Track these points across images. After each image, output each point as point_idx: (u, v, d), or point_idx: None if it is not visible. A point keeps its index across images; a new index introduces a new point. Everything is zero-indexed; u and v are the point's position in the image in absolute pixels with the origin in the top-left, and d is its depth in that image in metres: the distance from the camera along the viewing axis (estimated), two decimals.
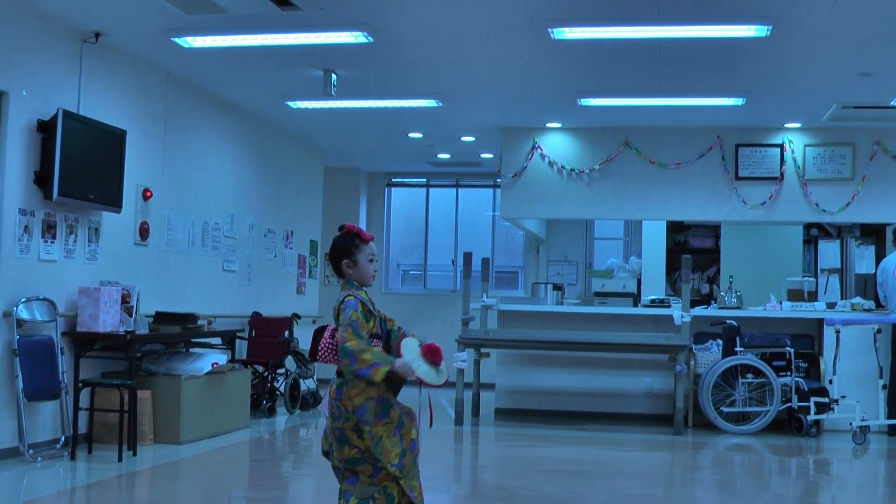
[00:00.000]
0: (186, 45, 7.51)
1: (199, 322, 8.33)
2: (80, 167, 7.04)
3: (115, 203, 7.52)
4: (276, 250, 10.92)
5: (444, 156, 12.56)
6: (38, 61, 6.85)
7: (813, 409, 8.70)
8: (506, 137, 10.64)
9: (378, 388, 3.69)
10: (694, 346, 9.42)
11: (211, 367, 7.91)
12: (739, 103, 9.01)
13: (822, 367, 9.17)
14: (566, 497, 5.99)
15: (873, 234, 11.74)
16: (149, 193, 8.24)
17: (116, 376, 7.26)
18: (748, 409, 8.95)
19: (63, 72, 7.13)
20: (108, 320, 7.09)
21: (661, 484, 6.90)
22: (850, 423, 8.48)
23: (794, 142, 10.18)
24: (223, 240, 9.61)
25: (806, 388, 8.88)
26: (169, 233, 8.61)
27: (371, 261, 3.88)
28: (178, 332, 7.94)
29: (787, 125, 10.08)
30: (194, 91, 8.99)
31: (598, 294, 12.00)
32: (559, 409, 9.94)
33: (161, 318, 7.97)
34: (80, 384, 7.02)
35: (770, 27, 6.75)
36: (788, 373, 8.95)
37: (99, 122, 7.37)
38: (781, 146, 10.18)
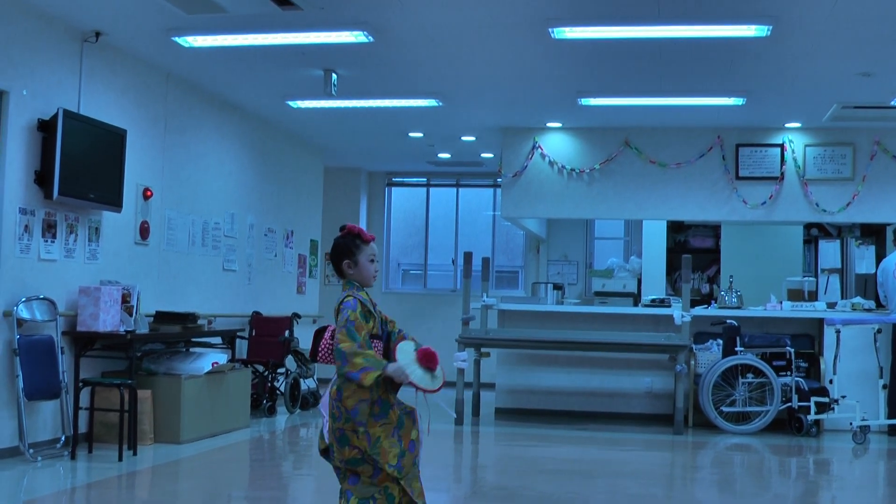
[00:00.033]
0: (187, 45, 7.52)
1: (200, 322, 8.33)
2: (80, 167, 7.04)
3: (115, 202, 7.52)
4: (276, 250, 10.92)
5: (444, 155, 12.56)
6: (38, 61, 6.85)
7: (813, 408, 8.70)
8: (506, 137, 10.64)
9: (373, 389, 3.67)
10: (694, 346, 9.43)
11: (211, 367, 7.91)
12: (740, 103, 9.01)
13: (822, 366, 9.17)
14: (566, 497, 5.99)
15: (873, 233, 11.74)
16: (149, 193, 8.24)
17: (117, 376, 7.26)
18: (748, 408, 8.95)
19: (63, 71, 7.13)
20: (108, 320, 7.09)
21: (662, 484, 6.90)
22: (851, 423, 8.48)
23: (795, 142, 10.18)
24: (223, 239, 9.61)
25: (806, 388, 8.88)
26: (169, 232, 8.61)
27: (372, 261, 3.88)
28: (179, 332, 7.94)
29: (787, 125, 10.08)
30: (194, 91, 8.99)
31: (598, 294, 12.00)
32: (559, 409, 9.94)
33: (161, 317, 7.97)
34: (81, 384, 7.02)
35: (770, 27, 6.75)
36: (789, 373, 8.95)
37: (99, 122, 7.37)
38: (782, 146, 10.18)
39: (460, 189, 14.20)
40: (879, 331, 8.80)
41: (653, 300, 10.12)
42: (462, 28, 7.11)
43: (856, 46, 7.23)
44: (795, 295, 10.08)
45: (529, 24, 6.95)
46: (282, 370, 9.90)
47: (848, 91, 8.54)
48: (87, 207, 7.32)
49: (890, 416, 8.66)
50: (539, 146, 10.53)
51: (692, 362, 9.32)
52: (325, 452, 3.86)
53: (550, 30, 6.97)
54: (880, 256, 11.05)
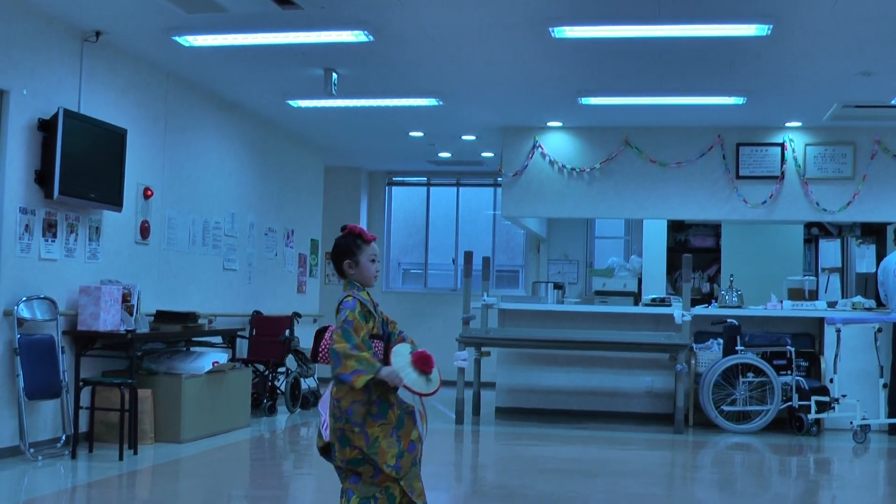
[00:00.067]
0: (187, 44, 7.52)
1: (200, 321, 8.33)
2: (80, 166, 7.04)
3: (115, 202, 7.53)
4: (276, 249, 10.92)
5: (444, 155, 12.56)
6: (38, 60, 6.85)
7: (813, 408, 8.70)
8: (506, 136, 10.64)
9: (371, 390, 3.67)
10: (694, 345, 9.43)
11: (212, 366, 7.91)
12: (740, 102, 9.01)
13: (822, 366, 9.17)
14: (567, 496, 5.99)
15: (874, 233, 11.74)
16: (149, 192, 8.24)
17: (117, 375, 7.27)
18: (749, 408, 8.95)
19: (64, 71, 7.13)
20: (108, 319, 7.09)
21: (662, 483, 6.91)
22: (851, 422, 8.48)
23: (795, 141, 10.18)
24: (224, 239, 9.61)
25: (806, 387, 8.88)
26: (170, 231, 8.61)
27: (373, 261, 3.88)
28: (179, 331, 7.94)
29: (787, 124, 10.08)
30: (195, 90, 8.99)
31: (598, 293, 12.00)
32: (560, 408, 9.94)
33: (162, 316, 7.97)
34: (81, 383, 7.03)
35: (771, 26, 6.75)
36: (789, 372, 8.95)
37: (99, 121, 7.37)
38: (782, 145, 10.18)
39: (461, 188, 14.20)
40: (880, 330, 8.80)
41: (653, 299, 10.13)
42: (462, 27, 7.11)
43: (856, 46, 7.22)
44: (796, 294, 10.09)
45: (530, 24, 6.95)
46: (282, 369, 9.91)
47: (848, 90, 8.54)
48: (88, 207, 7.32)
49: (890, 416, 8.66)
50: (539, 145, 10.53)
51: (693, 361, 9.32)
52: (325, 451, 3.86)
53: (551, 29, 6.97)
54: (881, 255, 11.05)
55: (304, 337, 10.50)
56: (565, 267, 13.66)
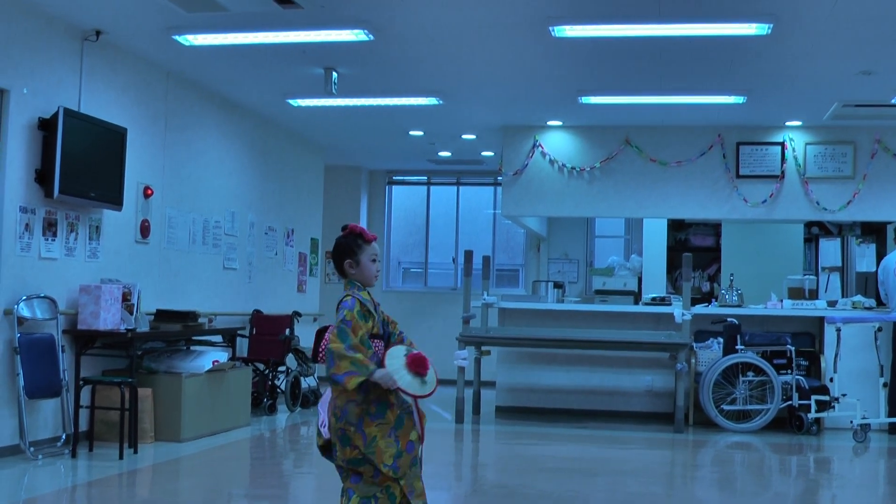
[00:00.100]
0: (187, 44, 7.52)
1: (200, 320, 8.34)
2: (80, 165, 7.04)
3: (115, 201, 7.53)
4: (276, 248, 10.92)
5: (444, 154, 12.56)
6: (38, 59, 6.85)
7: (814, 407, 8.70)
8: (506, 135, 10.64)
9: (368, 391, 3.67)
10: (695, 345, 9.43)
11: (212, 365, 7.91)
12: (740, 101, 9.01)
13: (822, 365, 9.17)
14: (567, 495, 6.00)
15: (874, 232, 11.74)
16: (150, 191, 8.24)
17: (117, 374, 7.27)
18: (749, 407, 8.95)
19: (64, 70, 7.14)
20: (108, 318, 7.09)
21: (662, 482, 6.91)
22: (851, 422, 8.48)
23: (795, 140, 10.18)
24: (224, 238, 9.61)
25: (807, 387, 8.89)
26: (170, 230, 8.61)
27: (374, 261, 3.88)
28: (179, 330, 7.94)
29: (787, 123, 10.08)
30: (195, 89, 8.99)
31: (598, 292, 11.99)
32: (560, 407, 9.94)
33: (162, 315, 7.97)
34: (81, 382, 7.03)
35: (771, 25, 6.75)
36: (789, 371, 8.95)
37: (100, 120, 7.38)
38: (782, 144, 10.18)
39: (461, 187, 14.20)
40: (880, 329, 8.81)
41: (653, 298, 10.12)
42: (462, 26, 7.11)
43: (856, 45, 7.22)
44: (796, 293, 10.09)
45: (530, 23, 6.95)
46: (282, 368, 9.91)
47: (848, 89, 8.54)
48: (88, 206, 7.32)
49: (890, 415, 8.66)
50: (539, 144, 10.53)
51: (693, 360, 9.32)
52: (325, 450, 3.86)
53: (551, 28, 6.97)
54: (881, 255, 11.05)
55: (304, 336, 10.51)
56: (565, 266, 13.66)
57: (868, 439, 8.44)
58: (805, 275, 10.84)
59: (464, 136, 11.36)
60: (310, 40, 7.40)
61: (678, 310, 9.00)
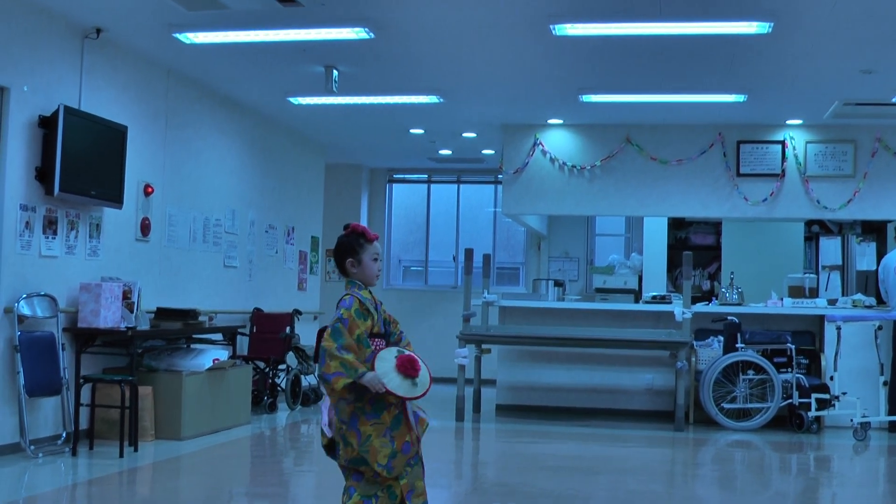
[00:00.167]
0: (188, 41, 7.51)
1: (201, 318, 8.33)
2: (81, 163, 7.04)
3: (116, 199, 7.53)
4: (277, 246, 10.92)
5: (445, 152, 12.56)
6: (39, 57, 6.85)
7: (814, 405, 8.71)
8: (507, 134, 10.64)
9: (361, 390, 3.68)
10: (695, 343, 9.43)
11: (212, 363, 7.91)
12: (741, 100, 9.01)
13: (822, 363, 9.17)
14: (567, 493, 6.00)
15: (874, 230, 11.73)
16: (150, 189, 8.24)
17: (117, 372, 7.26)
18: (749, 405, 8.95)
19: (64, 67, 7.13)
20: (109, 316, 7.09)
21: (662, 480, 6.91)
22: (851, 420, 8.48)
23: (796, 138, 10.17)
24: (224, 236, 9.61)
25: (807, 385, 8.89)
26: (170, 229, 8.61)
27: (375, 260, 3.89)
28: (180, 328, 7.94)
29: (788, 122, 10.07)
30: (196, 87, 8.99)
31: (599, 290, 11.99)
32: (560, 406, 9.94)
33: (162, 313, 7.97)
34: (82, 380, 7.03)
35: (772, 24, 6.75)
36: (789, 369, 8.96)
37: (100, 118, 7.37)
38: (783, 143, 10.18)
39: (461, 186, 14.20)
40: (880, 327, 8.81)
41: (654, 297, 10.12)
42: (463, 24, 7.10)
43: (857, 44, 7.22)
44: (796, 292, 10.09)
45: (530, 21, 6.95)
46: (283, 366, 9.91)
47: (849, 88, 8.54)
48: (88, 204, 7.32)
49: (890, 413, 8.66)
50: (540, 143, 10.53)
51: (693, 359, 9.32)
52: (329, 449, 3.87)
53: (551, 26, 6.97)
54: (881, 253, 11.04)
55: (305, 334, 10.52)
56: (566, 264, 13.66)
57: (868, 437, 8.44)
58: (805, 273, 10.84)
59: (464, 135, 11.36)
60: (310, 38, 7.40)
61: (678, 308, 9.00)
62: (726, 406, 8.95)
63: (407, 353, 3.76)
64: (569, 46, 7.54)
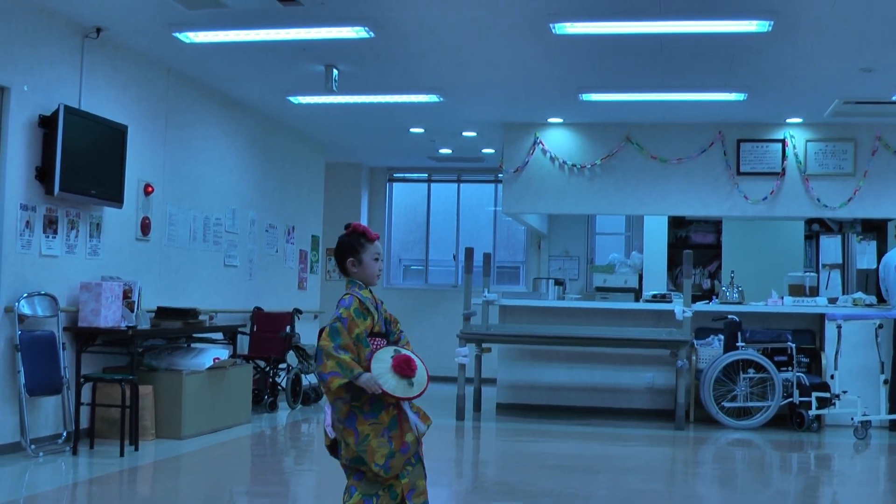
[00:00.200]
0: (188, 41, 7.51)
1: (201, 317, 8.33)
2: (81, 162, 7.04)
3: (116, 198, 7.53)
4: (277, 245, 10.92)
5: (445, 151, 12.55)
6: (39, 56, 6.85)
7: (814, 404, 8.71)
8: (507, 133, 10.64)
9: (359, 390, 3.68)
10: (695, 342, 9.43)
11: (212, 363, 7.91)
12: (741, 99, 9.01)
13: (823, 362, 9.17)
14: (567, 492, 6.00)
15: (875, 229, 11.73)
16: (150, 188, 8.24)
17: (118, 371, 7.27)
18: (750, 404, 8.95)
19: (64, 67, 7.13)
20: (109, 315, 7.09)
21: (663, 479, 6.91)
22: (852, 419, 8.48)
23: (796, 137, 10.17)
24: (224, 235, 9.61)
25: (807, 384, 8.89)
26: (170, 228, 8.61)
27: (376, 260, 3.89)
28: (180, 328, 7.94)
29: (788, 120, 10.07)
30: (196, 86, 8.99)
31: (599, 289, 11.99)
32: (561, 405, 9.94)
33: (162, 313, 7.97)
34: (82, 379, 7.03)
35: (772, 22, 6.74)
36: (790, 368, 8.96)
37: (100, 118, 7.37)
38: (783, 141, 10.18)
39: (461, 184, 14.20)
40: (881, 326, 8.80)
41: (654, 296, 10.12)
42: (463, 23, 7.10)
43: (857, 42, 7.22)
44: (797, 290, 10.09)
45: (530, 20, 6.94)
46: (283, 366, 9.91)
47: (849, 86, 8.54)
48: (89, 203, 7.32)
49: (891, 412, 8.66)
50: (540, 142, 10.53)
51: (693, 358, 9.32)
52: (332, 449, 3.87)
53: (551, 25, 6.96)
54: (882, 252, 11.03)
55: (305, 333, 10.52)
56: (566, 263, 13.66)
57: (869, 436, 8.44)
58: (806, 272, 10.84)
59: (464, 134, 11.36)
60: (310, 37, 7.39)
61: (679, 307, 9.01)
62: (727, 405, 8.95)
63: (404, 352, 3.76)
64: (569, 45, 7.54)
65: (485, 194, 14.26)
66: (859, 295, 9.68)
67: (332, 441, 3.83)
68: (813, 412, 8.70)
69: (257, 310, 10.16)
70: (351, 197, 13.80)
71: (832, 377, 8.79)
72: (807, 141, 10.14)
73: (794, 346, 9.01)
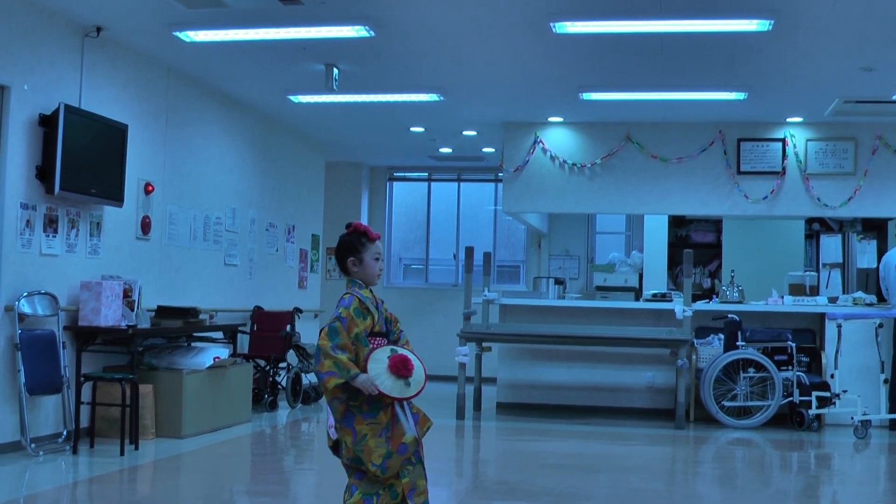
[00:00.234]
0: (188, 40, 7.51)
1: (201, 316, 8.33)
2: (81, 161, 7.04)
3: (116, 197, 7.53)
4: (277, 244, 10.92)
5: (445, 150, 12.55)
6: (39, 56, 6.85)
7: (814, 403, 8.71)
8: (507, 132, 10.64)
9: (357, 390, 3.68)
10: (695, 341, 9.43)
11: (213, 362, 7.92)
12: (741, 98, 9.00)
13: (823, 361, 9.17)
14: (568, 491, 6.00)
15: (875, 228, 11.74)
16: (150, 188, 8.24)
17: (118, 370, 7.27)
18: (750, 403, 8.95)
19: (64, 66, 7.13)
20: (109, 314, 7.10)
21: (663, 478, 6.91)
22: (852, 418, 8.48)
23: (796, 136, 10.17)
24: (225, 234, 9.61)
25: (807, 383, 8.89)
26: (171, 227, 8.61)
27: (377, 259, 3.89)
28: (180, 327, 7.94)
29: (788, 120, 10.07)
30: (196, 85, 8.99)
31: (599, 288, 12.00)
32: (561, 404, 9.95)
33: (163, 312, 7.97)
34: (82, 378, 7.03)
35: (772, 21, 6.74)
36: (790, 367, 8.96)
37: (100, 117, 7.37)
38: (783, 141, 10.18)
39: (462, 184, 14.20)
40: (881, 325, 8.81)
41: (654, 295, 10.12)
42: (463, 23, 7.10)
43: (857, 41, 7.22)
44: (797, 289, 10.09)
45: (531, 19, 6.94)
46: (283, 365, 9.91)
47: (850, 86, 8.54)
48: (89, 202, 7.32)
49: (891, 411, 8.66)
50: (540, 141, 10.53)
51: (693, 357, 9.32)
52: (335, 450, 3.87)
53: (552, 24, 6.96)
54: (882, 251, 11.04)
55: (305, 332, 10.53)
56: (566, 262, 13.66)
57: (869, 435, 8.44)
58: (806, 271, 10.84)
59: (465, 133, 11.36)
60: (311, 37, 7.39)
61: (679, 306, 9.01)
62: (727, 404, 8.95)
63: (400, 352, 3.76)
64: (569, 44, 7.54)
65: (485, 193, 14.26)
66: (859, 294, 9.68)
67: (335, 441, 3.84)
68: (813, 411, 8.70)
69: (257, 309, 10.16)
70: (351, 196, 13.80)
71: (832, 376, 8.79)
72: (807, 140, 10.14)
73: (794, 345, 9.01)
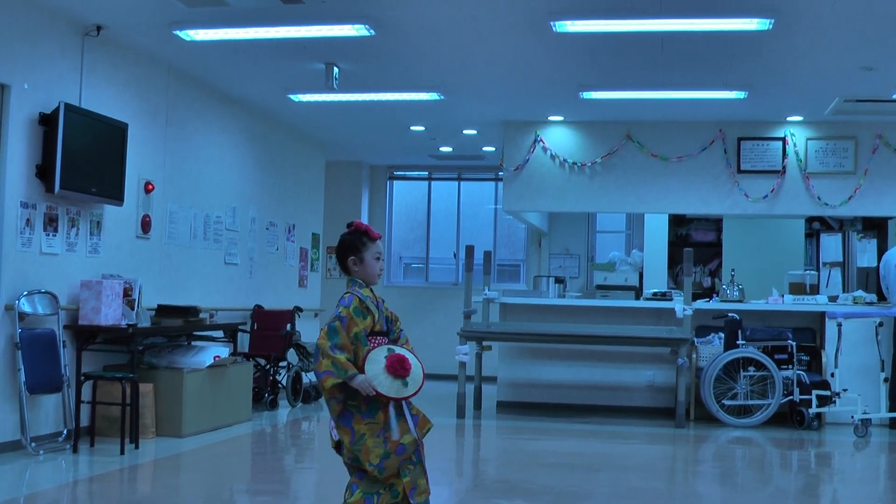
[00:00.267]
0: (188, 39, 7.51)
1: (201, 315, 8.33)
2: (81, 160, 7.04)
3: (116, 196, 7.53)
4: (277, 243, 10.92)
5: (446, 149, 12.55)
6: (39, 54, 6.85)
7: (815, 402, 8.71)
8: (508, 131, 10.64)
9: (355, 390, 3.68)
10: (696, 340, 9.43)
11: (213, 361, 7.92)
12: (741, 97, 9.00)
13: (823, 360, 9.17)
14: (568, 490, 6.00)
15: (875, 227, 11.74)
16: (150, 186, 8.24)
17: (118, 369, 7.27)
18: (750, 402, 8.95)
19: (65, 65, 7.13)
20: (110, 313, 7.09)
21: (663, 477, 6.91)
22: (852, 417, 8.49)
23: (797, 135, 10.17)
24: (225, 233, 9.61)
25: (808, 382, 8.89)
26: (171, 226, 8.61)
27: (377, 259, 3.90)
28: (180, 326, 7.94)
29: (789, 119, 10.07)
30: (196, 84, 8.99)
31: (599, 287, 11.99)
32: (561, 403, 9.95)
33: (163, 311, 7.97)
34: (82, 377, 7.03)
35: (772, 20, 6.74)
36: (790, 366, 8.96)
37: (100, 115, 7.37)
38: (784, 140, 10.18)
39: (462, 183, 14.20)
40: (881, 324, 8.80)
41: (654, 294, 10.13)
42: (464, 21, 7.10)
43: (858, 40, 7.22)
44: (797, 288, 10.08)
45: (531, 18, 6.94)
46: (283, 363, 9.91)
47: (850, 85, 8.53)
48: (89, 201, 7.32)
49: (891, 410, 8.67)
50: (541, 140, 10.53)
51: (694, 356, 9.32)
52: (338, 448, 3.88)
53: (552, 23, 6.96)
54: (882, 250, 11.04)
55: (306, 331, 10.52)
56: (566, 261, 13.65)
57: (869, 434, 8.44)
58: (806, 270, 10.84)
59: (465, 132, 11.36)
60: (311, 35, 7.39)
61: (679, 305, 9.01)
62: (727, 403, 8.95)
63: (398, 352, 3.75)
64: (569, 43, 7.54)
65: (485, 192, 14.26)
66: (859, 293, 9.68)
67: (338, 442, 3.84)
68: (813, 410, 8.70)
69: (258, 308, 10.16)
70: (351, 195, 13.80)
71: (832, 375, 8.79)
72: (807, 139, 10.14)
73: (794, 344, 9.01)
